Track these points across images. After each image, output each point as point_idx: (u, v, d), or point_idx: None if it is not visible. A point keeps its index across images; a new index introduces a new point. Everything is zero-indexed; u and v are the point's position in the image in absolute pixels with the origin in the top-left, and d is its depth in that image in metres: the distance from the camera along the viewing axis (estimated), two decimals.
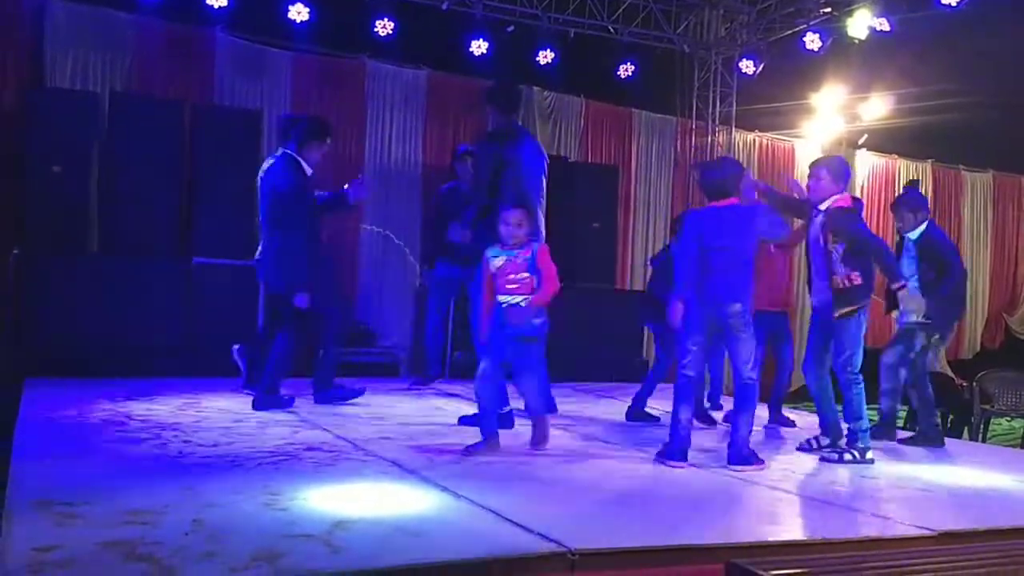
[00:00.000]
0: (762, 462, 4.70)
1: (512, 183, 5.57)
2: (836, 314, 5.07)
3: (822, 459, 5.11)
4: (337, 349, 6.33)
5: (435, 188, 8.22)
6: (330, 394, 6.21)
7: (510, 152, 5.66)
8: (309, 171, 5.95)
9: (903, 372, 5.90)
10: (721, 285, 4.69)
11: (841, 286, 5.02)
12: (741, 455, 4.67)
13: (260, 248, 6.19)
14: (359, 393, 6.35)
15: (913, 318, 5.70)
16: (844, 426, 5.23)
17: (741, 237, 4.75)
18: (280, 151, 6.05)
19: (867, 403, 5.14)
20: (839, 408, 5.30)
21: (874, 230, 12.81)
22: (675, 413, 4.75)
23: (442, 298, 7.43)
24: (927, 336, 5.84)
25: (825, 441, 5.30)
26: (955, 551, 3.28)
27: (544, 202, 5.80)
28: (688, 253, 4.80)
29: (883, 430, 5.91)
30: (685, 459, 4.70)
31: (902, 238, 6.00)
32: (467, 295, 7.08)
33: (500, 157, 5.64)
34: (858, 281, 5.02)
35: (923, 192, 13.08)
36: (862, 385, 5.08)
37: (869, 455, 5.05)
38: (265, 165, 6.22)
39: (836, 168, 5.22)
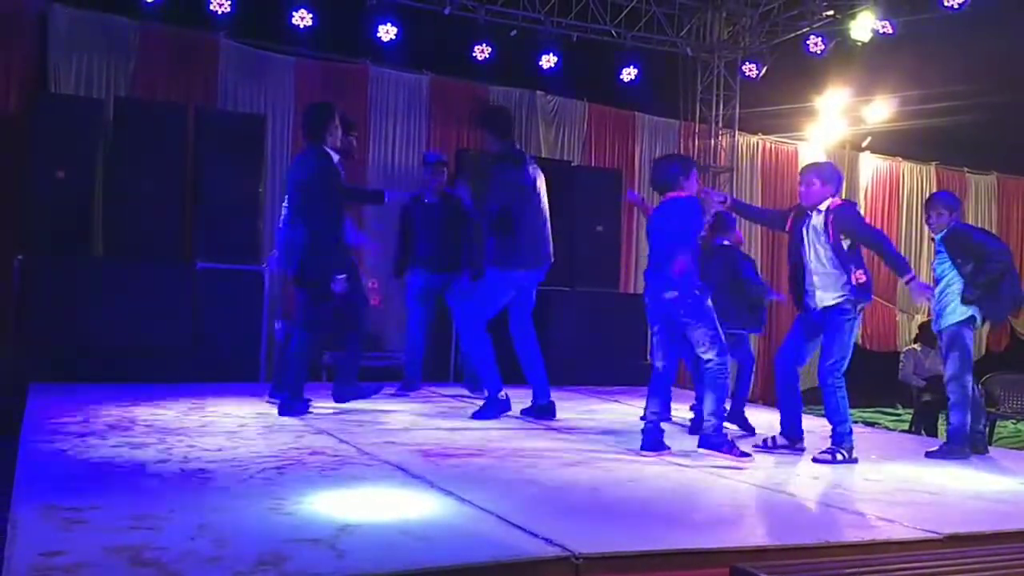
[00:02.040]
0: (741, 454, 4.73)
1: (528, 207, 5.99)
2: (857, 308, 5.22)
3: (815, 459, 5.13)
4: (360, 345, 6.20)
5: None
6: (353, 390, 6.10)
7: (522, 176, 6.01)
8: (336, 157, 5.84)
9: (969, 380, 5.57)
10: (656, 276, 4.97)
11: (855, 283, 5.12)
12: (709, 440, 4.76)
13: (286, 242, 5.98)
14: (379, 389, 6.29)
15: (951, 320, 5.56)
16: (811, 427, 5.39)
17: (670, 228, 4.98)
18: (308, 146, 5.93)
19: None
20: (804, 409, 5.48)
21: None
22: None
23: (422, 309, 7.30)
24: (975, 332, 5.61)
25: (783, 441, 5.34)
26: (962, 554, 3.27)
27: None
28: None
29: (955, 448, 5.49)
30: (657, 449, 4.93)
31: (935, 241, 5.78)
32: (444, 304, 7.14)
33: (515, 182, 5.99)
34: (863, 279, 5.11)
35: (928, 194, 13.14)
36: (844, 387, 5.17)
37: (854, 455, 5.15)
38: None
39: (825, 173, 5.35)
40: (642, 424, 5.07)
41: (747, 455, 4.80)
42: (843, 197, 5.51)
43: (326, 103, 6.19)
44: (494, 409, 6.06)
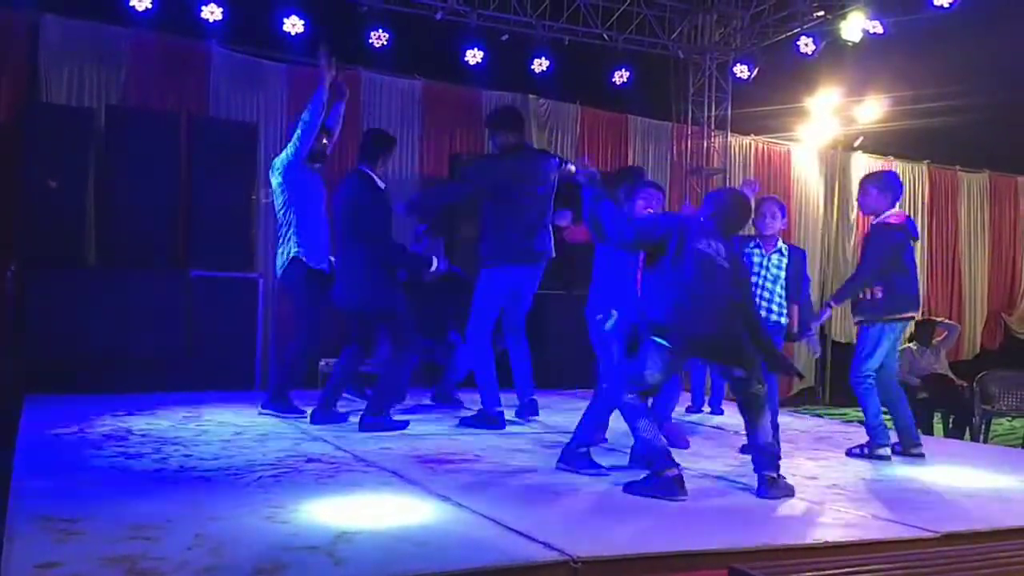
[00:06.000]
0: (595, 468, 4.48)
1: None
2: (854, 320, 5.50)
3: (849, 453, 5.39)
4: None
5: None
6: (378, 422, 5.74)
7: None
8: (382, 186, 5.76)
9: None
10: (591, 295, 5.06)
11: (861, 296, 5.34)
12: (566, 457, 4.56)
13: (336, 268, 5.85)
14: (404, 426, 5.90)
15: None
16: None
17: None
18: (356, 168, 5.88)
19: None
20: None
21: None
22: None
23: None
24: None
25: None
26: (958, 552, 3.28)
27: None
28: None
29: None
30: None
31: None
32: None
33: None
34: (878, 295, 5.26)
35: (921, 194, 13.19)
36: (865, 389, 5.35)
37: (878, 452, 5.32)
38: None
39: (883, 183, 5.42)
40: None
41: (599, 466, 4.50)
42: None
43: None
44: (485, 423, 5.87)
